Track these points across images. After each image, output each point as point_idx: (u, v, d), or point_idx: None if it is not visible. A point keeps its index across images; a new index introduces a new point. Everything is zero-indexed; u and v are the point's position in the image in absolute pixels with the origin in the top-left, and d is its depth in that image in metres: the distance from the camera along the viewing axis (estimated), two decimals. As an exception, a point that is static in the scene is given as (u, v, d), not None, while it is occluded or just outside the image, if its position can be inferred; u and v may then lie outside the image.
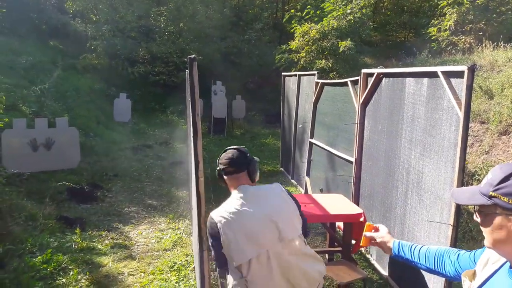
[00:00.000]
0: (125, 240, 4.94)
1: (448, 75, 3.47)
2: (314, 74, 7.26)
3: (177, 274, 4.13)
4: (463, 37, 12.77)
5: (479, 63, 9.25)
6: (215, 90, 14.35)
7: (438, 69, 3.57)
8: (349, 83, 5.64)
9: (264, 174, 9.06)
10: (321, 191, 6.70)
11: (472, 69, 3.16)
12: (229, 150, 2.46)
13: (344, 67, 11.73)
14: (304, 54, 11.94)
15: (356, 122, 5.30)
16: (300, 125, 8.11)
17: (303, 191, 7.52)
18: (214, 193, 7.02)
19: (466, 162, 6.23)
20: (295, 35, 12.66)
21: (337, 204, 4.32)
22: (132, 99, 12.11)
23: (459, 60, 10.55)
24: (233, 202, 2.28)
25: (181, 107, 15.08)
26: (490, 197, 1.17)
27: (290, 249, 2.23)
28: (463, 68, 3.21)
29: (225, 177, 2.39)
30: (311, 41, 11.88)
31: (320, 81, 6.90)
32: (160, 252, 4.64)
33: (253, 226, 2.18)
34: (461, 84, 3.27)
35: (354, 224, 4.10)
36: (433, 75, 3.66)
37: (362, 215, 4.04)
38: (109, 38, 13.26)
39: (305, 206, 4.15)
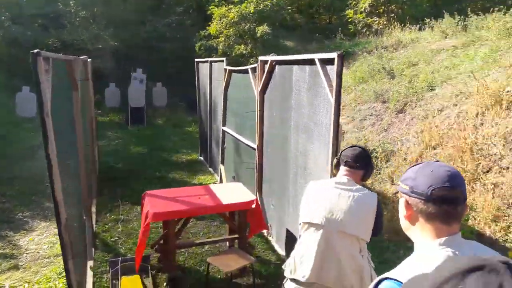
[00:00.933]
0: (13, 249, 4.57)
1: (324, 62, 3.50)
2: (222, 61, 7.14)
3: (65, 280, 3.90)
4: (377, 19, 13.27)
5: (386, 44, 9.64)
6: (136, 77, 13.77)
7: (315, 56, 3.60)
8: (249, 70, 5.60)
9: (182, 164, 8.90)
10: (234, 178, 6.68)
11: (341, 56, 3.21)
12: (358, 148, 2.63)
13: (263, 52, 11.72)
14: (222, 39, 11.76)
15: (256, 109, 5.29)
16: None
17: (218, 180, 7.48)
18: (122, 188, 6.75)
19: (365, 141, 6.50)
20: (213, 16, 12.41)
21: (233, 193, 4.31)
22: (41, 91, 11.28)
23: (371, 41, 10.94)
24: (331, 180, 2.53)
25: (97, 97, 14.36)
26: (398, 185, 1.39)
27: (343, 243, 2.37)
28: (334, 55, 3.25)
29: (343, 166, 2.56)
30: (229, 25, 11.71)
31: (228, 68, 6.81)
32: (51, 259, 4.36)
33: (325, 201, 2.42)
34: (333, 71, 3.31)
35: (248, 211, 4.14)
36: (312, 62, 3.69)
37: (254, 202, 4.07)
38: (8, 26, 12.18)
39: (199, 198, 4.11)
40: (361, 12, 13.71)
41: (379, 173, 5.81)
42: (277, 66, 4.68)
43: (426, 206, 1.25)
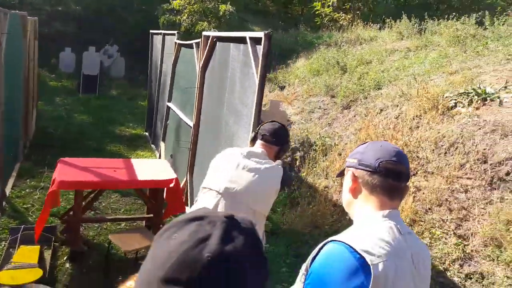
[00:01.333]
0: None
1: (255, 41, 3.36)
2: (174, 34, 6.87)
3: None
4: (344, 15, 13.26)
5: (346, 40, 9.63)
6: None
7: (247, 34, 3.45)
8: (194, 45, 5.39)
9: (125, 137, 8.60)
10: (171, 157, 6.49)
11: (268, 36, 3.07)
12: (277, 123, 2.55)
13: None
14: (186, 16, 11.40)
15: (196, 86, 5.10)
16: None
17: (158, 157, 7.26)
18: (54, 155, 6.37)
19: (307, 133, 6.45)
20: (179, -10, 11.99)
21: (153, 170, 4.13)
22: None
23: (333, 36, 10.89)
24: (245, 150, 2.43)
25: (53, 61, 13.68)
26: (347, 161, 1.40)
27: (234, 212, 2.18)
28: (261, 34, 3.11)
29: (259, 140, 2.48)
30: (193, 1, 11.35)
31: (178, 41, 6.55)
32: None
33: (230, 170, 2.34)
34: (260, 51, 3.17)
35: (167, 190, 3.98)
36: (245, 40, 3.53)
37: (174, 181, 3.91)
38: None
39: (114, 171, 3.91)
40: (328, 6, 13.65)
41: (315, 167, 5.78)
42: (218, 42, 4.50)
43: (372, 178, 1.28)
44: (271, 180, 2.33)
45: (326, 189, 5.30)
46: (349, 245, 1.16)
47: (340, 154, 5.49)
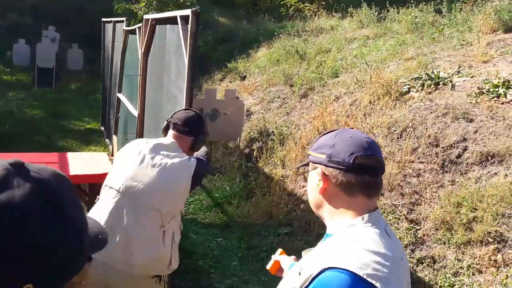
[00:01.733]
0: None
1: (185, 20, 3.11)
2: (123, 21, 6.53)
3: None
4: (308, 5, 13.11)
5: (308, 29, 9.47)
6: (47, 35, 12.61)
7: (177, 13, 3.21)
8: (136, 30, 5.09)
9: (79, 132, 8.21)
10: (123, 150, 6.18)
11: (196, 14, 2.84)
12: (191, 111, 2.34)
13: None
14: (143, 4, 10.99)
15: (139, 73, 4.81)
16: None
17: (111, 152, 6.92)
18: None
19: (264, 123, 6.26)
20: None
21: (90, 164, 3.86)
22: None
23: (295, 25, 10.68)
24: (153, 142, 2.22)
25: (8, 54, 13.04)
26: (309, 156, 1.23)
27: (139, 215, 2.04)
28: (189, 12, 2.86)
29: (171, 130, 2.26)
30: (151, -11, 10.96)
31: (126, 28, 6.22)
32: None
33: (132, 165, 2.10)
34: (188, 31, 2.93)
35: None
36: (176, 21, 3.27)
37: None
38: None
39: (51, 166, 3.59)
40: (294, -4, 13.45)
41: (272, 157, 5.60)
42: (157, 26, 4.22)
43: (347, 177, 1.11)
44: (178, 177, 2.09)
45: (282, 178, 5.12)
46: (351, 272, 0.99)
47: (296, 143, 5.31)
